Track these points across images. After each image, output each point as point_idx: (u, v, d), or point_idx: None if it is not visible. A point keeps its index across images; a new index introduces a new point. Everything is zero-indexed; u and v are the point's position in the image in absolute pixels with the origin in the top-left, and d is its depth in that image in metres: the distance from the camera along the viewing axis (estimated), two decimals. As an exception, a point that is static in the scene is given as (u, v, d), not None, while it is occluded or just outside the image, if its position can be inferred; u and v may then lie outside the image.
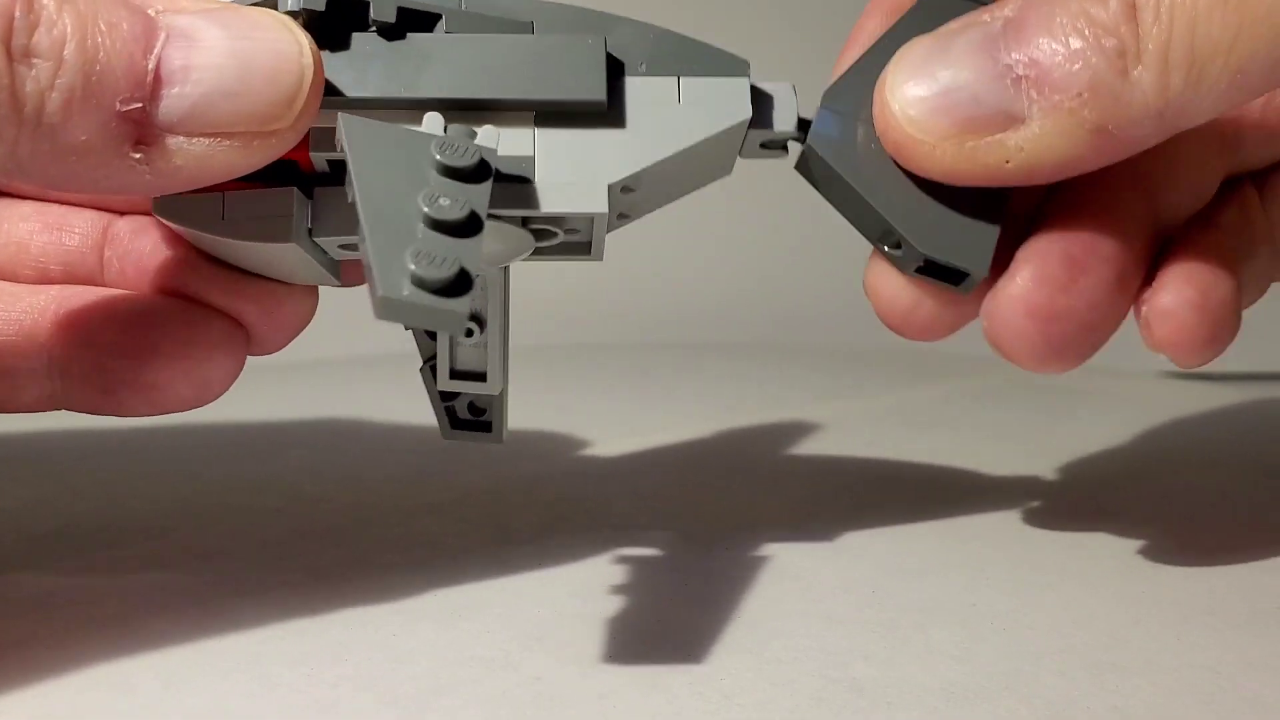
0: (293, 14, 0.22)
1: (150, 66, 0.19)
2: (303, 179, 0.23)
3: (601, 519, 0.31)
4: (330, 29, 0.22)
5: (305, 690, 0.21)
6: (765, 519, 0.31)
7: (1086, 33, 0.22)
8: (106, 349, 0.24)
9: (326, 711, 0.21)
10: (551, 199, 0.23)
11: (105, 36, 0.18)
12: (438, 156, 0.20)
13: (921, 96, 0.23)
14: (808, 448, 0.37)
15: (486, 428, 0.28)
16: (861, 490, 0.33)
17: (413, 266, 0.18)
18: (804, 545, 0.29)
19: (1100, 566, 0.28)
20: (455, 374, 0.27)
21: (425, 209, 0.19)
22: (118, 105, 0.18)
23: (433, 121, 0.21)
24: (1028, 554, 0.29)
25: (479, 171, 0.20)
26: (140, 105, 0.19)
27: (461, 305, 0.18)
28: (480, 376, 0.27)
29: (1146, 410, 0.44)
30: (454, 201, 0.19)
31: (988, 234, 0.24)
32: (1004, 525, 0.31)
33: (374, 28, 0.23)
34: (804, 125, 0.25)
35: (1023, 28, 0.22)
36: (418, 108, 0.22)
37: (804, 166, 0.25)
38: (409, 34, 0.23)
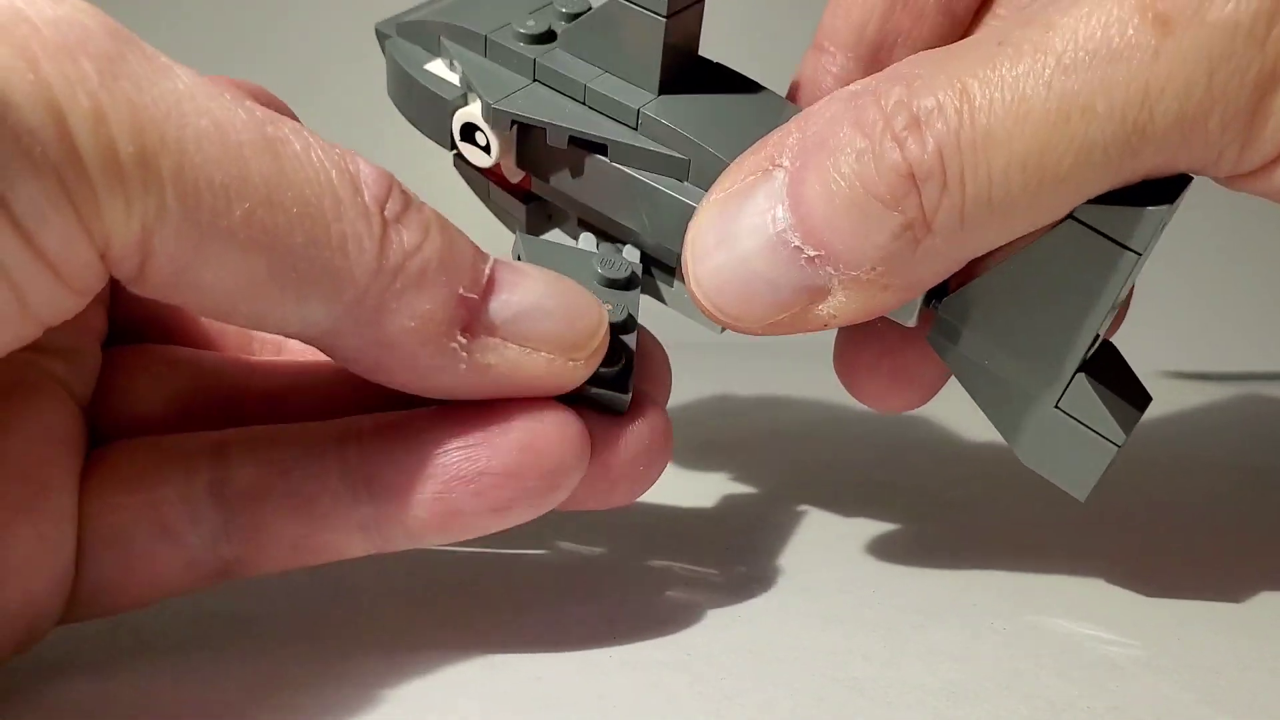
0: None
1: (486, 271, 0.21)
2: None
3: (600, 519, 0.31)
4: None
5: (306, 689, 0.21)
6: (766, 518, 0.31)
7: (865, 207, 0.21)
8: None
9: (327, 710, 0.21)
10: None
11: (455, 234, 0.21)
12: (600, 270, 0.24)
13: (726, 283, 0.23)
14: (808, 448, 0.37)
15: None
16: (862, 490, 0.33)
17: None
18: (804, 545, 0.29)
19: (1100, 566, 0.28)
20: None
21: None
22: (460, 289, 0.20)
23: (587, 240, 0.26)
24: (1028, 554, 0.29)
25: (631, 281, 0.24)
26: (476, 297, 0.20)
27: (621, 398, 0.22)
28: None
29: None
30: (616, 307, 0.23)
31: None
32: (1004, 525, 0.31)
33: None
34: None
35: (801, 199, 0.22)
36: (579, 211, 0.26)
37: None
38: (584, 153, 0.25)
